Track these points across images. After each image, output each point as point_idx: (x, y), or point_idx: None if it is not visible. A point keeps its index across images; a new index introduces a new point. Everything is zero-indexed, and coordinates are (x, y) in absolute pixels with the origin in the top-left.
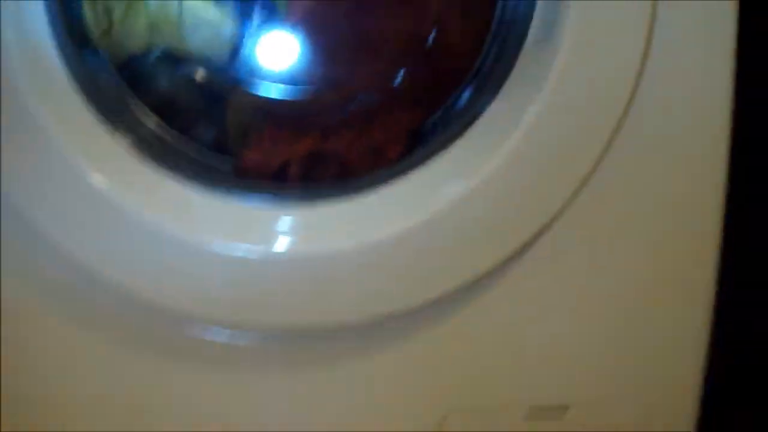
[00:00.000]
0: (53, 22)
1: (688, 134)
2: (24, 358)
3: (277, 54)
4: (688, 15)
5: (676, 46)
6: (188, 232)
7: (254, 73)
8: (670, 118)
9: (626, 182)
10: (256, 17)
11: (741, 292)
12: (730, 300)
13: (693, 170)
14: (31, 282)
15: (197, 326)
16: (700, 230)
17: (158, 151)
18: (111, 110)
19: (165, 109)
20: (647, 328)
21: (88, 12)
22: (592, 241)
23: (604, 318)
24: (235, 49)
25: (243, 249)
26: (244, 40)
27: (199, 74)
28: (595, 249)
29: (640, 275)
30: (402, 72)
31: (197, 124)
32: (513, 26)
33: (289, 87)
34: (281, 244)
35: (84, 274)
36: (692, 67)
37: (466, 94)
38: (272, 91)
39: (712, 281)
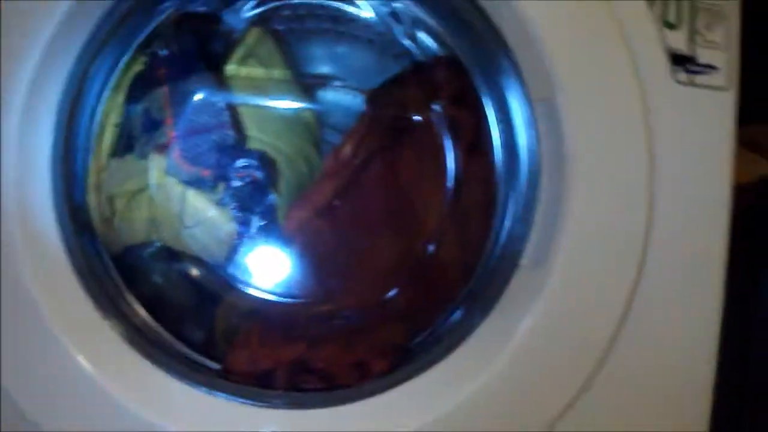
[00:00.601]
0: (58, 209)
1: (674, 371)
2: None
3: (271, 261)
4: (677, 258)
5: (665, 280)
6: (168, 423)
7: (247, 277)
8: (658, 344)
9: (615, 403)
10: (255, 224)
11: None
12: None
13: (678, 403)
14: None
15: None
16: None
17: (147, 342)
18: (105, 298)
19: (156, 303)
20: None
21: (92, 199)
22: None
23: None
24: (231, 252)
25: None
26: (240, 243)
27: (194, 272)
28: None
29: None
30: (394, 289)
31: (187, 320)
32: (507, 248)
33: (280, 294)
34: None
35: None
36: (681, 299)
37: (456, 314)
38: (263, 295)
39: None
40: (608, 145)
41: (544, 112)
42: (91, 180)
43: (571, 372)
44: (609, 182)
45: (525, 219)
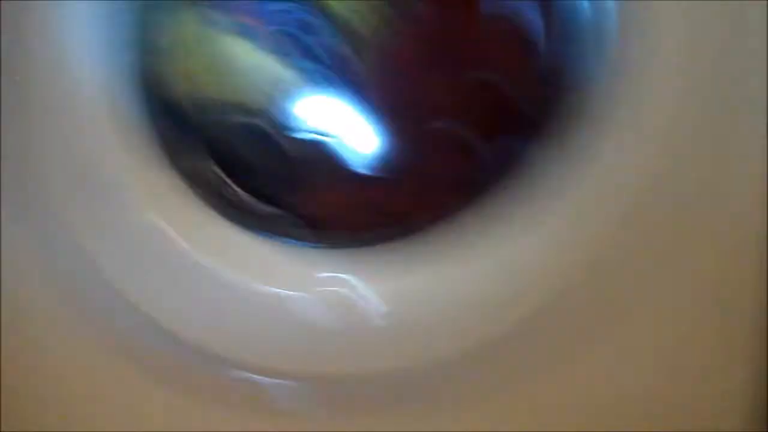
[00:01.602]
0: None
1: None
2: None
3: (333, 105)
4: None
5: None
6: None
7: (310, 123)
8: None
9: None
10: (311, 67)
11: None
12: None
13: None
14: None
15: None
16: None
17: (211, 194)
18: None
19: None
20: None
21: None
22: None
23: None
24: (291, 98)
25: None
26: (301, 89)
27: (249, 122)
28: None
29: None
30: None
31: (248, 171)
32: None
33: (344, 137)
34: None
35: (159, 329)
36: None
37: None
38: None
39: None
40: None
41: None
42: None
43: None
44: None
45: None
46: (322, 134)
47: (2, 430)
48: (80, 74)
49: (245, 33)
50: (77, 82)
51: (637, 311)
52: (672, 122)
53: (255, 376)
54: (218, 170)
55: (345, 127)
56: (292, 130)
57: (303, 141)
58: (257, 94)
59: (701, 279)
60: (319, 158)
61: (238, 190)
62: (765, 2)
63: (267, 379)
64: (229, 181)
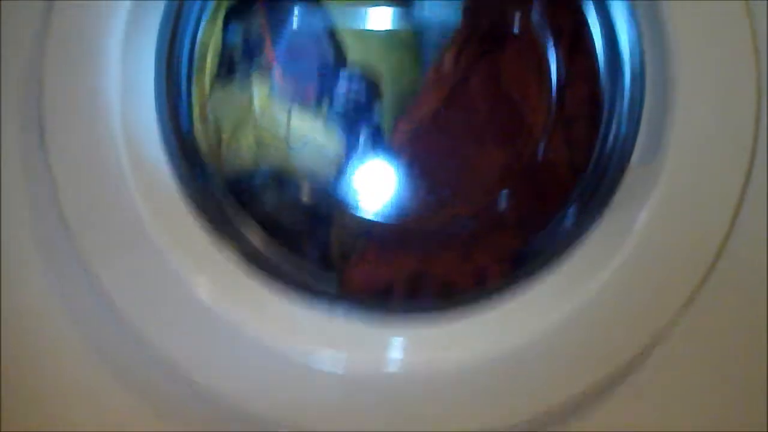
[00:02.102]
0: (166, 139)
1: None
2: None
3: (381, 177)
4: None
5: None
6: (291, 346)
7: (358, 195)
8: None
9: (731, 300)
10: (362, 139)
11: None
12: None
13: None
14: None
15: None
16: None
17: (264, 267)
18: (219, 225)
19: (270, 228)
20: None
21: (198, 129)
22: (695, 362)
23: None
24: (340, 170)
25: (347, 365)
26: (348, 163)
27: (305, 194)
28: (700, 370)
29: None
30: (505, 194)
31: (301, 241)
32: (616, 147)
33: (391, 209)
34: (387, 363)
35: (188, 384)
36: None
37: (569, 216)
38: (375, 211)
39: None
40: (713, 39)
41: (646, 8)
42: (196, 109)
43: (690, 266)
44: (715, 77)
45: (632, 117)
46: (372, 207)
47: None
48: (137, 144)
49: (305, 106)
50: (132, 149)
51: None
52: None
53: None
54: (266, 239)
55: (390, 200)
56: (344, 203)
57: (353, 214)
58: (315, 167)
59: None
60: (368, 231)
61: (284, 257)
62: None
63: None
64: (274, 248)
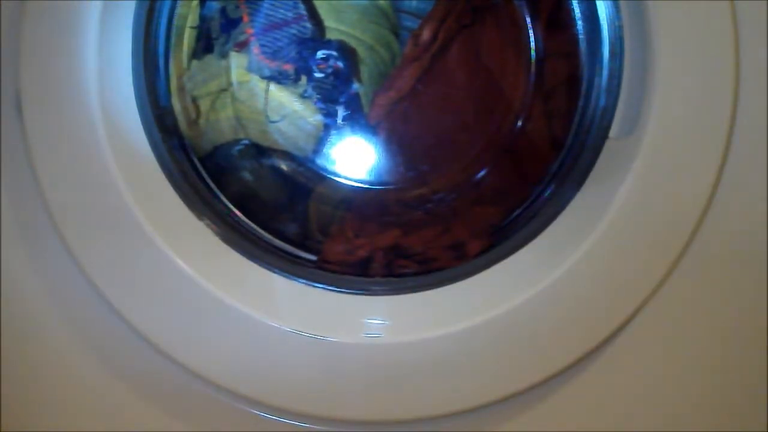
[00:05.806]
0: (144, 114)
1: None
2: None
3: (359, 150)
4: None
5: (755, 146)
6: (271, 316)
7: (336, 167)
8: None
9: (710, 273)
10: (340, 113)
11: None
12: None
13: None
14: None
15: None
16: None
17: (243, 239)
18: (198, 199)
19: (249, 200)
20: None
21: (176, 103)
22: (675, 333)
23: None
24: (319, 143)
25: (327, 335)
26: (327, 134)
27: (283, 166)
28: (680, 341)
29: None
30: (484, 168)
31: (280, 215)
32: (595, 120)
33: (371, 182)
34: (366, 332)
35: (166, 358)
36: None
37: (549, 189)
38: (354, 184)
39: None
40: (692, 12)
41: None
42: (174, 84)
43: (669, 238)
44: (694, 49)
45: (611, 91)
46: (351, 180)
47: None
48: (115, 119)
49: (284, 80)
50: (110, 125)
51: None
52: None
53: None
54: (243, 217)
55: (369, 170)
56: (323, 175)
57: (333, 186)
58: (294, 139)
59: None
60: (348, 204)
61: (265, 234)
62: None
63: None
64: (255, 226)
